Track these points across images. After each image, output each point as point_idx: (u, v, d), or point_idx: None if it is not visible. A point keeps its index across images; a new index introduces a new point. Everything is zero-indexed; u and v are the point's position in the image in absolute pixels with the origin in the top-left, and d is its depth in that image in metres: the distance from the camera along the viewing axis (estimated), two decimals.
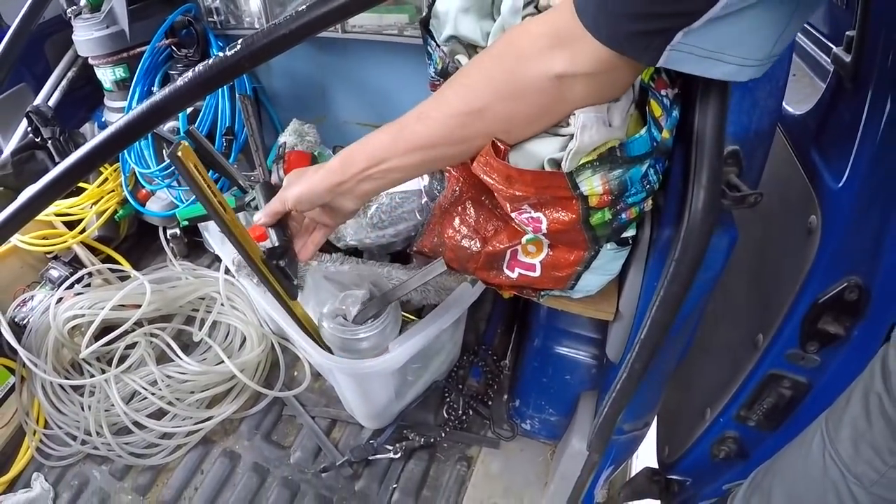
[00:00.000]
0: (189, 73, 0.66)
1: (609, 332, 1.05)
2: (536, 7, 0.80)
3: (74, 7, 1.40)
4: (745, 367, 0.93)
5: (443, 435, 1.31)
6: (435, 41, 0.91)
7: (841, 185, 0.71)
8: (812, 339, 0.81)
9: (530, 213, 0.76)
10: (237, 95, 1.36)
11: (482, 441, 1.33)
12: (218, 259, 1.71)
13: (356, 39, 1.30)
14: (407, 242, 1.20)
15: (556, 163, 0.70)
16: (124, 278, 1.61)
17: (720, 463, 1.06)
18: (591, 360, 1.19)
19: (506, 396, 1.37)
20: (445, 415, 1.36)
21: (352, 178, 0.77)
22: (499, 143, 0.70)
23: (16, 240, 1.51)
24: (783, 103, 0.89)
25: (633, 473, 1.34)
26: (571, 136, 0.68)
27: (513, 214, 0.79)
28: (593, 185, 0.67)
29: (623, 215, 0.74)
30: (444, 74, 0.91)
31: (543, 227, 0.75)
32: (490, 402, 1.38)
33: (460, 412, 1.35)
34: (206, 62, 0.65)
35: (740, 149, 0.75)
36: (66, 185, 0.79)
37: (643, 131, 0.67)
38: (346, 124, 1.56)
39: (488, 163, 0.71)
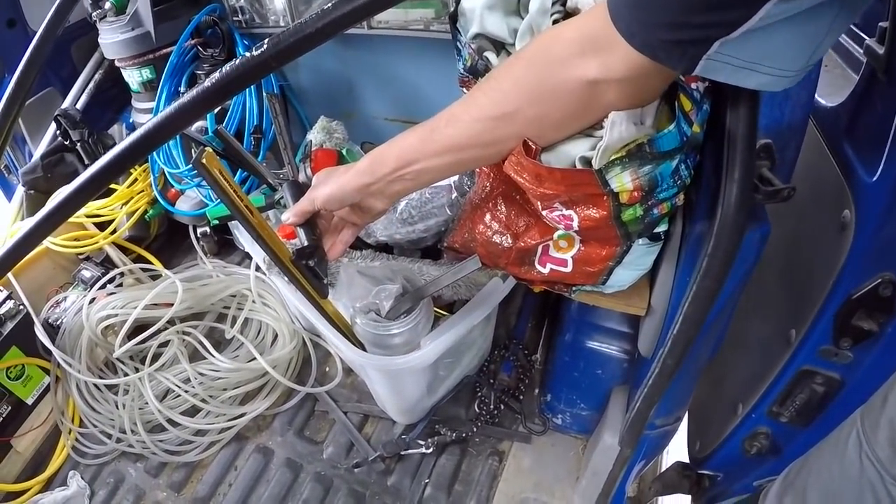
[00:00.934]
0: (216, 74, 0.68)
1: (640, 327, 1.08)
2: (563, 6, 0.83)
3: (99, 10, 1.45)
4: (778, 363, 0.94)
5: (474, 430, 1.35)
6: (461, 39, 0.95)
7: (875, 178, 0.71)
8: (845, 336, 0.81)
9: (562, 210, 0.79)
10: (264, 94, 1.41)
11: (514, 436, 1.37)
12: (248, 256, 1.76)
13: (382, 35, 1.34)
14: (437, 237, 1.24)
15: (587, 161, 0.73)
16: (155, 277, 1.68)
17: (752, 458, 1.07)
18: (623, 354, 1.22)
19: (537, 391, 1.41)
20: (477, 409, 1.40)
21: (382, 178, 0.80)
22: (530, 143, 0.73)
23: (48, 242, 1.57)
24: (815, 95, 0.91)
25: (663, 468, 1.38)
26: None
27: (544, 212, 0.82)
28: (623, 181, 0.70)
29: (654, 211, 0.77)
30: (473, 71, 0.94)
31: (575, 224, 0.78)
32: (521, 397, 1.41)
33: (492, 407, 1.39)
34: (232, 63, 0.67)
35: (773, 142, 0.77)
36: (98, 188, 0.81)
37: (672, 126, 0.69)
38: (375, 120, 1.60)
39: (519, 162, 0.74)
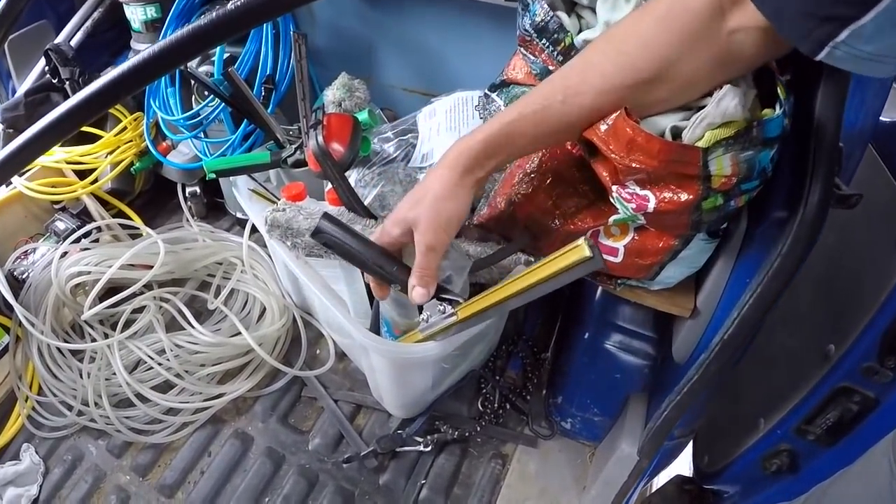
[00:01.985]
0: None
1: (677, 331, 1.08)
2: None
3: None
4: (811, 378, 0.95)
5: (477, 429, 1.33)
6: None
7: None
8: (891, 354, 0.83)
9: (635, 189, 0.76)
10: (291, 33, 1.35)
11: (519, 438, 1.35)
12: (238, 223, 1.73)
13: None
14: None
15: (678, 131, 0.71)
16: (135, 236, 1.61)
17: (768, 476, 1.09)
18: (645, 359, 1.21)
19: (545, 391, 1.40)
20: (480, 407, 1.38)
21: (486, 176, 0.79)
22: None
23: (22, 185, 1.51)
24: None
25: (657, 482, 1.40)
26: (698, 109, 0.70)
27: (613, 188, 0.79)
28: (723, 164, 0.68)
29: (732, 203, 0.76)
30: (541, 30, 0.91)
31: (651, 206, 0.76)
32: (528, 397, 1.40)
33: (496, 405, 1.37)
34: None
35: (843, 146, 0.79)
36: (80, 120, 0.77)
37: (780, 111, 0.68)
38: (392, 89, 1.57)
39: (615, 125, 0.71)
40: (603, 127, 0.72)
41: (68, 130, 0.78)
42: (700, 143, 0.69)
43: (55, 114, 0.74)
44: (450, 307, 0.90)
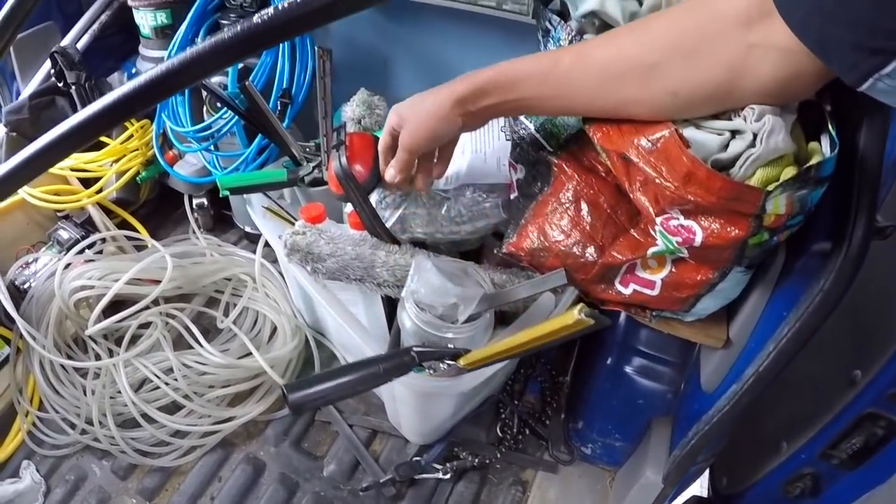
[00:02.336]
0: (270, 11, 0.61)
1: (706, 360, 1.10)
2: None
3: None
4: (836, 403, 0.96)
5: (497, 455, 1.35)
6: (554, 18, 0.95)
7: None
8: None
9: (680, 220, 0.78)
10: (316, 49, 1.36)
11: (538, 464, 1.36)
12: (247, 237, 1.73)
13: (438, 6, 1.32)
14: (481, 241, 1.25)
15: (723, 165, 0.73)
16: (140, 248, 1.61)
17: (790, 500, 1.12)
18: (668, 385, 1.23)
19: (563, 416, 1.42)
20: (500, 433, 1.39)
21: (478, 113, 0.84)
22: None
23: (24, 193, 1.50)
24: None
25: None
26: (731, 132, 0.73)
27: (658, 219, 0.81)
28: (779, 203, 0.71)
29: (775, 238, 0.78)
30: None
31: (698, 239, 0.78)
32: (548, 422, 1.42)
33: (515, 431, 1.39)
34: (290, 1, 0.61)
35: None
36: (90, 135, 0.75)
37: (834, 152, 0.70)
38: None
39: (667, 149, 0.72)
40: (644, 143, 0.74)
41: (80, 143, 0.76)
42: (753, 181, 0.71)
43: (66, 126, 0.72)
44: (453, 362, 0.94)
